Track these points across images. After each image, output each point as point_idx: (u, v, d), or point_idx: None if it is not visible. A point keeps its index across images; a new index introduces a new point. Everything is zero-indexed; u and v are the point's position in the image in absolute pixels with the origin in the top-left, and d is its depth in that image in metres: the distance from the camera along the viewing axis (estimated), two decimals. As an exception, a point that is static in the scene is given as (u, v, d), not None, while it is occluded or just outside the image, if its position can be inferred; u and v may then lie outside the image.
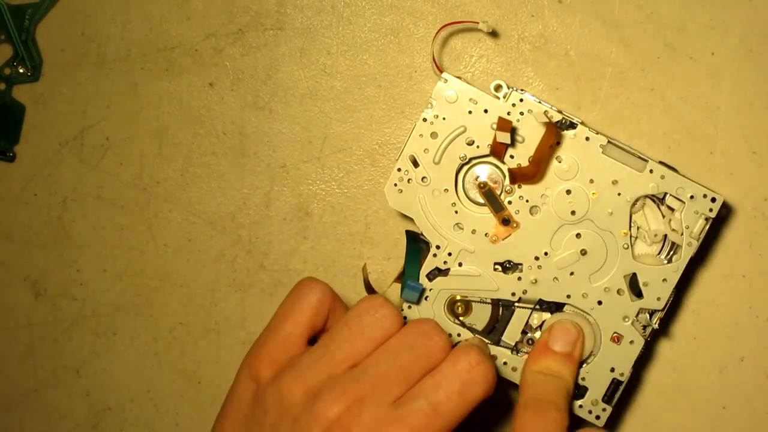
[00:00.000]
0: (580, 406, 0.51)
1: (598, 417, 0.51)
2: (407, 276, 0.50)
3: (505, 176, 0.50)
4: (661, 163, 0.49)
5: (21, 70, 0.58)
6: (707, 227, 0.49)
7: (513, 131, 0.49)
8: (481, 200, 0.50)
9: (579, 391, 0.51)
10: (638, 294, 0.50)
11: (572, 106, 0.55)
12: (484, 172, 0.51)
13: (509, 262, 0.50)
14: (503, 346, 0.51)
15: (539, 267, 0.50)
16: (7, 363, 0.60)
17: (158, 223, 0.58)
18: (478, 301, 0.51)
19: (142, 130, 0.58)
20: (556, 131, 0.48)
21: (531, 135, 0.49)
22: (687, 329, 0.56)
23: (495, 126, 0.49)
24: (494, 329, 0.51)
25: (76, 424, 0.60)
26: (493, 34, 0.55)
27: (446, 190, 0.50)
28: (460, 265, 0.50)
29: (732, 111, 0.54)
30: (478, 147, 0.50)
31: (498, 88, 0.49)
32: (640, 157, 0.49)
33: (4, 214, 0.59)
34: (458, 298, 0.51)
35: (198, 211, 0.58)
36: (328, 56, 0.57)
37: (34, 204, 0.59)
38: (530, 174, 0.49)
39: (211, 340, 0.59)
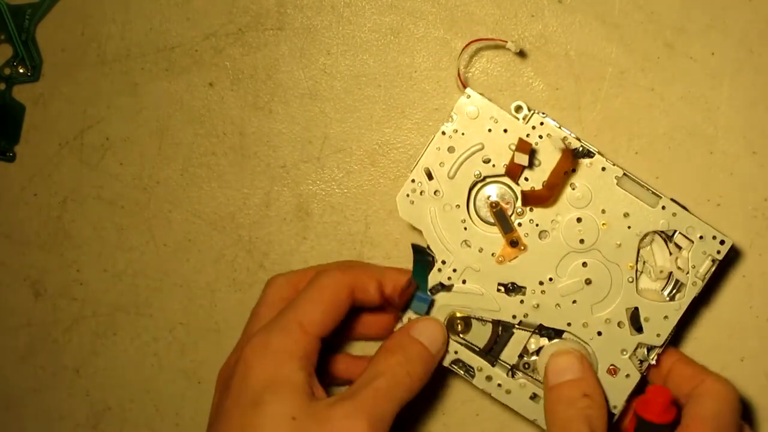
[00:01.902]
0: None
1: None
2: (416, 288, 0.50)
3: (517, 198, 0.50)
4: (673, 200, 0.49)
5: (21, 70, 0.58)
6: (713, 269, 0.49)
7: (531, 153, 0.49)
8: (492, 219, 0.50)
9: None
10: (638, 329, 0.50)
11: (572, 106, 0.55)
12: (497, 191, 0.50)
13: (513, 284, 0.50)
14: (499, 368, 0.51)
15: (543, 292, 0.50)
16: (7, 363, 0.60)
17: (158, 223, 0.58)
18: (478, 320, 0.51)
19: (142, 130, 0.58)
20: (571, 158, 0.48)
21: (547, 159, 0.49)
22: (687, 330, 0.56)
23: (514, 146, 0.49)
24: (492, 350, 0.51)
25: (76, 424, 0.60)
26: (521, 54, 0.55)
27: (458, 206, 0.50)
28: (463, 282, 0.50)
29: (732, 111, 0.54)
30: (494, 166, 0.50)
31: (518, 109, 0.49)
32: (653, 193, 0.49)
33: (4, 214, 0.59)
34: (459, 315, 0.51)
35: (198, 211, 0.58)
36: (328, 56, 0.57)
37: (34, 204, 0.59)
38: (543, 198, 0.49)
39: (211, 340, 0.59)
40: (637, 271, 0.50)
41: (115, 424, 0.60)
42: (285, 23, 0.57)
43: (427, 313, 0.50)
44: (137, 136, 0.58)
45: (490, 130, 0.50)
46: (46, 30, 0.58)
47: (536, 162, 0.50)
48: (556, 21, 0.55)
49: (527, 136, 0.49)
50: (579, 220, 0.50)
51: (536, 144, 0.49)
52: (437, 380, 0.58)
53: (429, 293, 0.50)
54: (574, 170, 0.49)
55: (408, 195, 0.50)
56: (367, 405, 0.45)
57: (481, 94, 0.49)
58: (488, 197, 0.50)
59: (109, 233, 0.59)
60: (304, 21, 0.57)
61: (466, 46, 0.55)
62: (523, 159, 0.48)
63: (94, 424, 0.60)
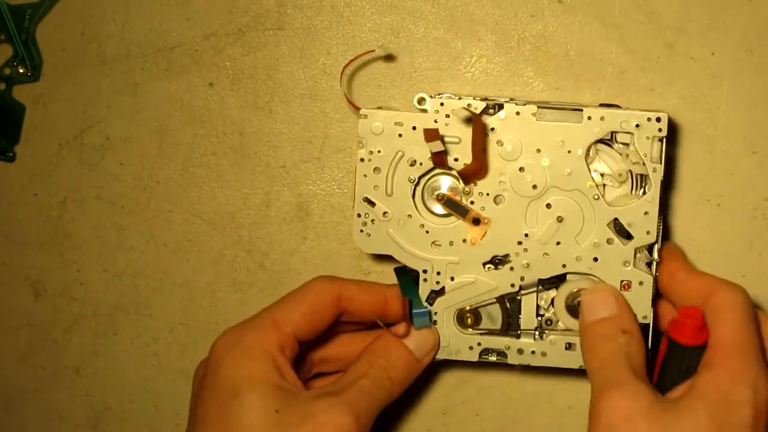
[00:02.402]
0: None
1: None
2: (411, 307, 0.50)
3: (458, 180, 0.50)
4: (602, 105, 0.50)
5: (21, 70, 0.58)
6: (663, 147, 0.49)
7: (442, 137, 0.49)
8: (445, 211, 0.51)
9: None
10: (627, 236, 0.50)
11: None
12: (438, 184, 0.51)
13: (496, 257, 0.51)
14: (525, 337, 0.51)
15: (525, 250, 0.50)
16: (7, 363, 0.60)
17: (158, 223, 0.58)
18: (484, 306, 0.51)
19: (142, 130, 0.58)
20: (480, 120, 0.49)
21: (464, 133, 0.50)
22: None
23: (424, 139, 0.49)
24: (510, 325, 0.51)
25: (76, 424, 0.60)
26: (388, 57, 0.55)
27: (410, 216, 0.51)
28: (452, 279, 0.51)
29: (732, 111, 0.55)
30: (421, 164, 0.50)
31: (421, 101, 0.50)
32: (574, 109, 0.50)
33: (4, 214, 0.59)
34: (465, 309, 0.51)
35: (198, 211, 0.58)
36: (328, 56, 0.57)
37: (34, 204, 0.59)
38: (475, 169, 0.49)
39: (211, 340, 0.58)
40: (598, 186, 0.50)
41: (115, 424, 0.60)
42: (285, 23, 0.57)
43: (431, 322, 0.51)
44: (137, 136, 0.58)
45: (400, 135, 0.50)
46: (46, 30, 0.58)
47: (455, 140, 0.50)
48: (556, 21, 0.55)
49: (435, 122, 0.50)
50: (522, 169, 0.50)
51: (446, 124, 0.50)
52: (437, 380, 0.58)
53: (426, 305, 0.50)
54: (493, 129, 0.50)
55: (361, 230, 0.51)
56: (351, 401, 0.45)
57: (378, 107, 0.50)
58: (432, 193, 0.51)
59: (109, 233, 0.59)
60: (304, 21, 0.57)
61: (344, 69, 0.55)
62: (437, 146, 0.49)
63: (94, 424, 0.60)
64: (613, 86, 0.55)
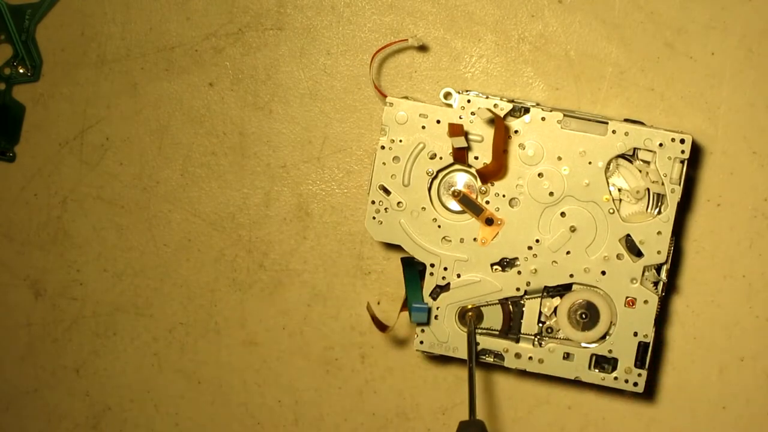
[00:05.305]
0: (615, 378, 0.51)
1: (636, 384, 0.51)
2: (411, 300, 0.50)
3: (476, 178, 0.50)
4: (626, 120, 0.50)
5: (21, 70, 0.58)
6: (684, 169, 0.50)
7: (466, 134, 0.49)
8: (460, 208, 0.51)
9: (610, 363, 0.51)
10: (638, 254, 0.50)
11: (572, 106, 0.55)
12: (455, 180, 0.51)
13: (504, 259, 0.51)
14: (524, 342, 0.51)
15: (535, 256, 0.50)
16: (7, 363, 0.60)
17: (158, 223, 0.58)
18: (487, 306, 0.51)
19: (142, 130, 0.58)
20: (503, 122, 0.49)
21: (487, 131, 0.50)
22: (687, 329, 0.56)
23: (448, 134, 0.49)
24: (511, 328, 0.51)
25: (76, 424, 0.60)
26: (422, 48, 0.55)
27: (424, 209, 0.51)
28: (458, 276, 0.51)
29: (732, 111, 0.55)
30: (441, 158, 0.50)
31: (448, 95, 0.50)
32: (599, 122, 0.50)
33: (4, 214, 0.59)
34: (468, 307, 0.51)
35: (198, 211, 0.58)
36: (328, 56, 0.57)
37: (34, 204, 0.59)
38: (495, 170, 0.50)
39: (211, 340, 0.59)
40: (614, 200, 0.50)
41: (115, 424, 0.60)
42: (285, 23, 0.57)
43: (428, 321, 0.51)
44: (137, 136, 0.58)
45: (424, 127, 0.50)
46: (46, 30, 0.58)
47: (478, 138, 0.50)
48: (556, 21, 0.55)
49: (459, 118, 0.50)
50: (540, 175, 0.50)
51: (471, 122, 0.50)
52: (437, 380, 0.58)
53: (428, 299, 0.50)
54: (516, 131, 0.50)
55: (374, 217, 0.51)
56: None
57: (405, 97, 0.50)
58: (449, 188, 0.51)
59: (109, 233, 0.59)
60: (304, 21, 0.57)
61: (373, 57, 0.55)
62: (460, 142, 0.49)
63: (94, 424, 0.60)
64: (613, 86, 0.55)
